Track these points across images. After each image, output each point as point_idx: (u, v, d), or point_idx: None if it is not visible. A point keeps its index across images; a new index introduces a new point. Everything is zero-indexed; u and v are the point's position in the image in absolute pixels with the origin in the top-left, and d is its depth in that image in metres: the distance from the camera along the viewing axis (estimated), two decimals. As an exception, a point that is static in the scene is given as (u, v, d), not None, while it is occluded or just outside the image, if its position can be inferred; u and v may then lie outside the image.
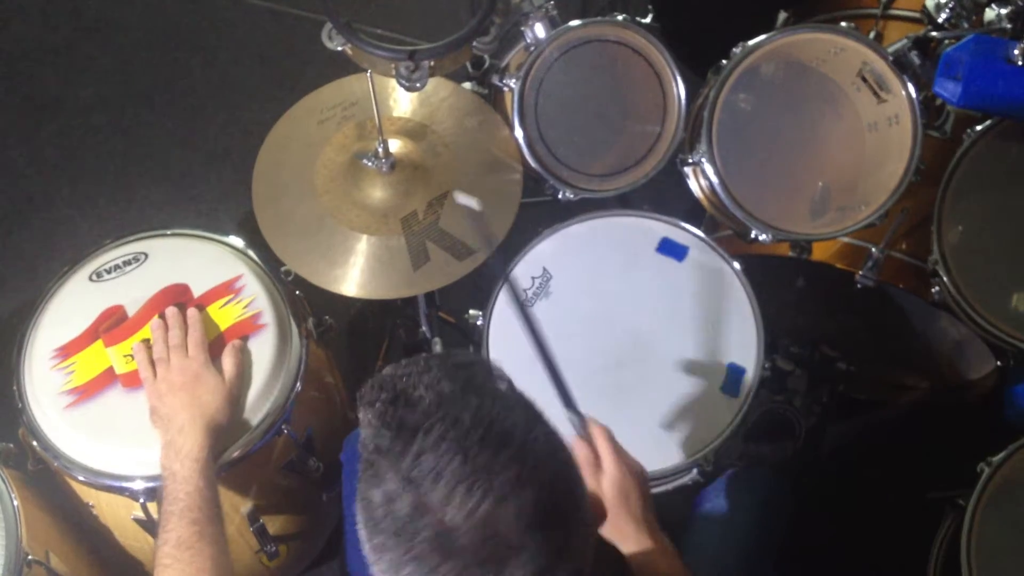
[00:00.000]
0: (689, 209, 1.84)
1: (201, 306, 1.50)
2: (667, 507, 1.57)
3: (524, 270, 1.67)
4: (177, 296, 1.50)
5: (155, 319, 1.46)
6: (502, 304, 1.63)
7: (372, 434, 0.84)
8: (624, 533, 1.19)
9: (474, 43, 1.49)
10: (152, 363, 1.41)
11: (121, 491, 1.41)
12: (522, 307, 1.18)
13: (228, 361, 1.43)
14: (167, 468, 1.32)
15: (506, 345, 1.60)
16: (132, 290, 1.51)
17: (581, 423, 1.23)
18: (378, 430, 0.83)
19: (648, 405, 1.55)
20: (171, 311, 1.46)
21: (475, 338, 1.65)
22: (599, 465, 1.21)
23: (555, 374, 1.18)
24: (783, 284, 2.01)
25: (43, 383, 1.44)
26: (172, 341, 1.42)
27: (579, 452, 1.20)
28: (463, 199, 1.17)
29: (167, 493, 1.30)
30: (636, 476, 1.24)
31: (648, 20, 1.69)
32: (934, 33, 1.60)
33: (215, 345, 1.45)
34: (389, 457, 0.81)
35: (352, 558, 1.49)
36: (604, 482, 1.20)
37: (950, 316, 1.67)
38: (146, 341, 1.44)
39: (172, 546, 1.25)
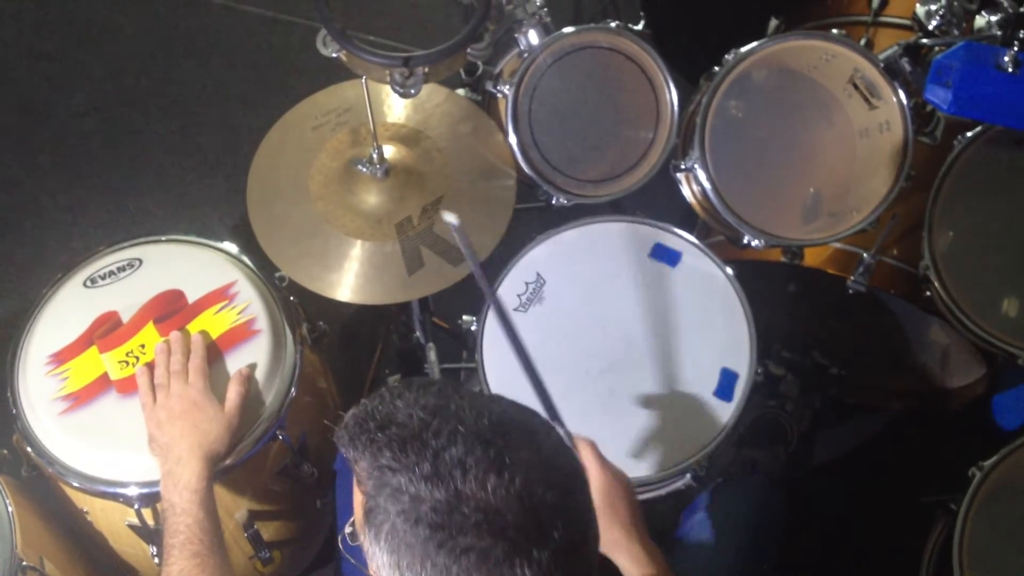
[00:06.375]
0: (682, 215, 1.84)
1: (197, 311, 1.50)
2: (660, 513, 1.57)
3: (517, 275, 1.67)
4: (171, 302, 1.50)
5: (160, 343, 1.45)
6: (495, 313, 1.64)
7: (371, 463, 0.83)
8: (615, 541, 1.19)
9: (468, 49, 1.50)
10: (153, 389, 1.40)
11: (115, 497, 1.41)
12: (507, 322, 1.17)
13: (233, 390, 1.41)
14: (167, 500, 1.31)
15: (500, 351, 1.60)
16: (126, 296, 1.51)
17: (566, 436, 1.22)
18: (376, 456, 0.83)
19: (641, 410, 1.56)
20: (175, 335, 1.45)
21: (469, 344, 1.65)
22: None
23: (540, 388, 1.18)
24: (775, 289, 2.01)
25: (37, 389, 1.44)
26: (173, 367, 1.41)
27: None
28: (449, 217, 1.15)
29: (168, 526, 1.29)
30: (622, 483, 1.25)
31: (640, 27, 1.70)
32: (925, 40, 1.60)
33: (208, 351, 1.45)
34: (402, 471, 0.81)
35: (347, 567, 1.49)
36: (591, 489, 1.21)
37: (941, 321, 1.68)
38: (150, 364, 1.44)
39: None
